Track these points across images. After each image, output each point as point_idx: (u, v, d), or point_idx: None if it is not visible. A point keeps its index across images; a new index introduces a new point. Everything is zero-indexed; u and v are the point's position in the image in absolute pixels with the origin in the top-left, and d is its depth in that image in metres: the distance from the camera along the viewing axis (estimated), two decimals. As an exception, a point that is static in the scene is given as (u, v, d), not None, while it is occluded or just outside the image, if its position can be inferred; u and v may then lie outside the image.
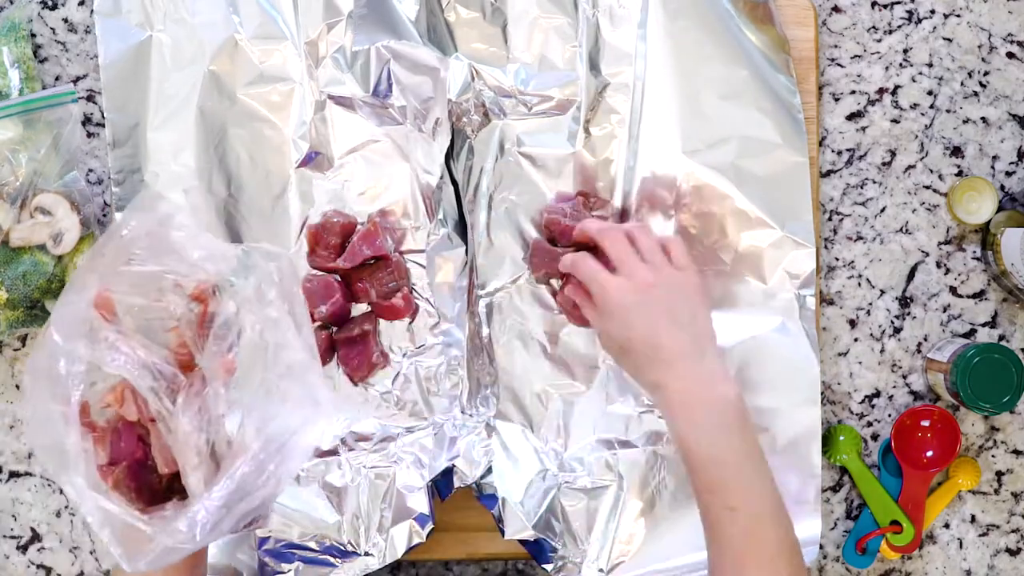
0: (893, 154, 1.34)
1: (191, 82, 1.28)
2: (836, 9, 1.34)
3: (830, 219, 1.33)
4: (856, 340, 1.33)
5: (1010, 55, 1.34)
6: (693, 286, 1.18)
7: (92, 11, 1.29)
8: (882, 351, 1.33)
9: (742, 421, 1.10)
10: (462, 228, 1.29)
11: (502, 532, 1.24)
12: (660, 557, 1.26)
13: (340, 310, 1.27)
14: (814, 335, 1.27)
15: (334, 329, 1.28)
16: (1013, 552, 1.33)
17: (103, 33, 1.28)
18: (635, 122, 1.29)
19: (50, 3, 1.33)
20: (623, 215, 1.28)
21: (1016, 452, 1.33)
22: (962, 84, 1.34)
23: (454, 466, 1.24)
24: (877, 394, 1.33)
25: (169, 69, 1.28)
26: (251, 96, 1.28)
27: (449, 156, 1.28)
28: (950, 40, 1.34)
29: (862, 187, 1.33)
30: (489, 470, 1.24)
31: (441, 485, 1.25)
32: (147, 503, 1.01)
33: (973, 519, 1.33)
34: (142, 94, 1.28)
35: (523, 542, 1.24)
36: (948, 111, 1.34)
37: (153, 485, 1.03)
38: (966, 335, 1.33)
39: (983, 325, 1.33)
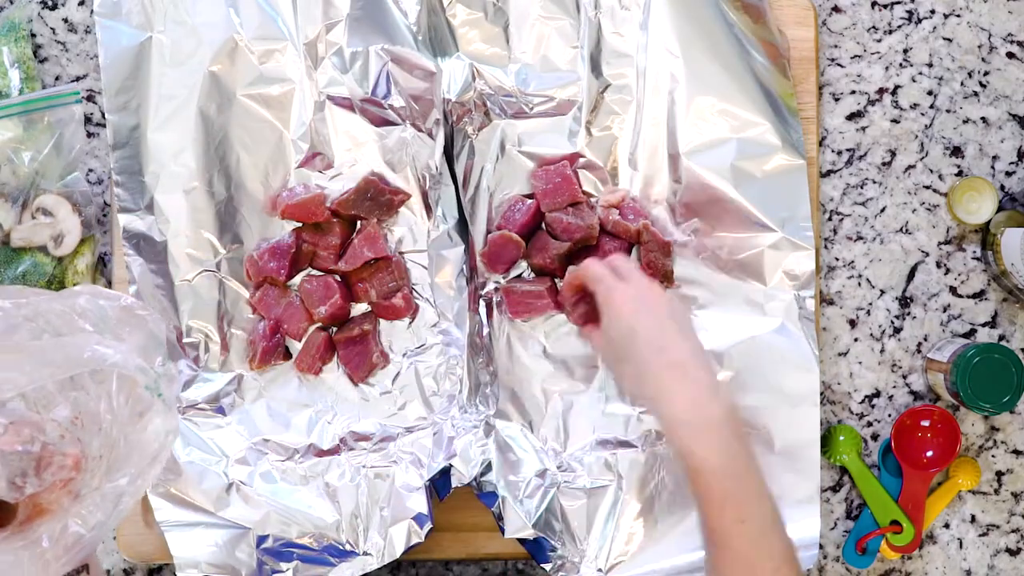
0: (893, 154, 1.34)
1: (191, 83, 1.28)
2: (836, 9, 1.34)
3: (830, 219, 1.33)
4: (856, 340, 1.33)
5: (1010, 55, 1.34)
6: (686, 308, 1.26)
7: (92, 11, 1.30)
8: (882, 351, 1.33)
9: (743, 431, 1.09)
10: (462, 227, 1.29)
11: (502, 531, 1.24)
12: (659, 557, 1.26)
13: (340, 310, 1.27)
14: (813, 336, 1.27)
15: (334, 329, 1.28)
16: (1013, 552, 1.33)
17: (103, 34, 1.28)
18: (635, 123, 1.29)
19: (50, 3, 1.33)
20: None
21: (1016, 452, 1.33)
22: (962, 84, 1.34)
23: (452, 466, 1.24)
24: (877, 394, 1.33)
25: (169, 70, 1.28)
26: (251, 97, 1.28)
27: (450, 155, 1.28)
28: (950, 40, 1.34)
29: (862, 187, 1.33)
30: (487, 469, 1.25)
31: (440, 485, 1.25)
32: None
33: (973, 519, 1.33)
34: (142, 95, 1.28)
35: (522, 541, 1.25)
36: (948, 111, 1.34)
37: None
38: (966, 335, 1.33)
39: (983, 325, 1.33)
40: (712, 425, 1.06)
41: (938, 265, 1.33)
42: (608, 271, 1.18)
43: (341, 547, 1.24)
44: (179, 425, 1.15)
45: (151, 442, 0.99)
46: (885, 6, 1.34)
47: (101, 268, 1.31)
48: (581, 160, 1.29)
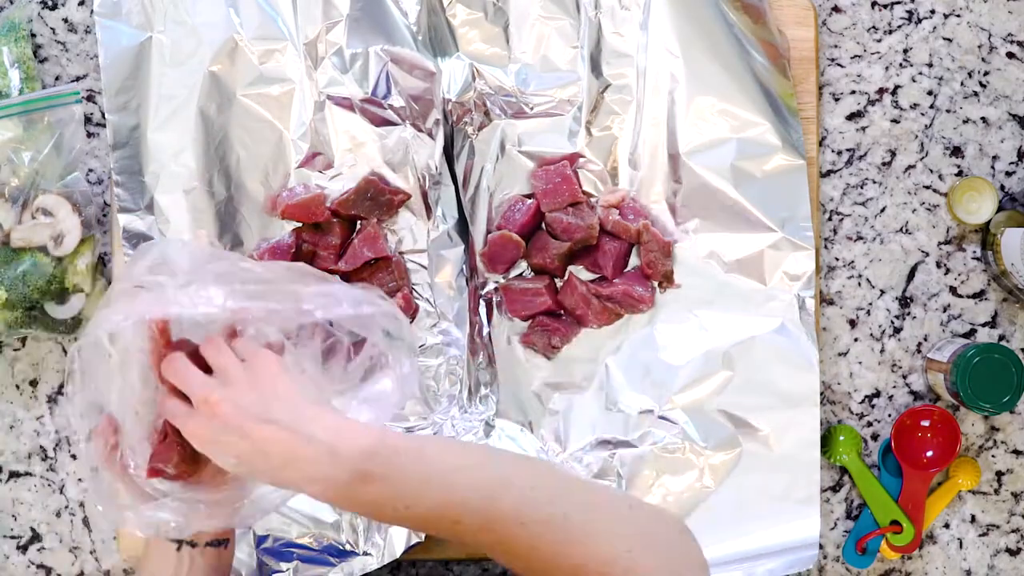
0: (893, 154, 1.34)
1: (191, 83, 1.28)
2: (836, 9, 1.34)
3: (830, 219, 1.33)
4: (856, 340, 1.33)
5: (1010, 55, 1.34)
6: (265, 366, 1.00)
7: (92, 12, 1.30)
8: (882, 351, 1.33)
9: (414, 448, 0.95)
10: (462, 227, 1.29)
11: None
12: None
13: (340, 310, 1.27)
14: (813, 336, 1.27)
15: (334, 329, 1.28)
16: (1013, 552, 1.33)
17: (103, 34, 1.28)
18: (635, 123, 1.29)
19: (50, 3, 1.33)
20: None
21: (1016, 452, 1.33)
22: (962, 84, 1.34)
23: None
24: (877, 394, 1.33)
25: (169, 70, 1.28)
26: (251, 97, 1.28)
27: (450, 155, 1.28)
28: (950, 40, 1.34)
29: (862, 187, 1.33)
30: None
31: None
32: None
33: (973, 519, 1.33)
34: (142, 95, 1.28)
35: (523, 542, 1.24)
36: (948, 111, 1.34)
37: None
38: (966, 335, 1.33)
39: (983, 325, 1.33)
40: (384, 464, 0.92)
41: (938, 265, 1.33)
42: (181, 413, 0.99)
43: (341, 547, 1.24)
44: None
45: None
46: (885, 6, 1.34)
47: (101, 268, 1.31)
48: (581, 160, 1.29)
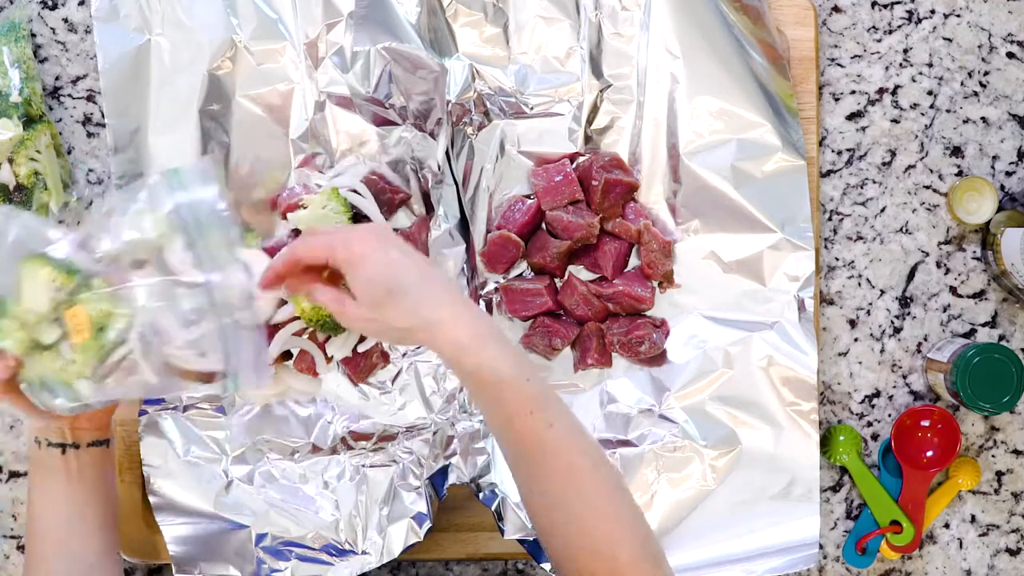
0: (893, 154, 1.34)
1: (191, 85, 1.28)
2: (836, 9, 1.34)
3: (830, 219, 1.33)
4: (856, 340, 1.33)
5: (1010, 55, 1.34)
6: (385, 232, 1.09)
7: (91, 13, 1.30)
8: (882, 351, 1.33)
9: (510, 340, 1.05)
10: (463, 227, 1.29)
11: (502, 531, 1.24)
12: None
13: (340, 310, 1.27)
14: (813, 336, 1.27)
15: (334, 329, 1.28)
16: (1013, 552, 1.33)
17: (102, 38, 1.28)
18: (635, 123, 1.29)
19: (50, 3, 1.33)
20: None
21: (1016, 452, 1.33)
22: (962, 84, 1.34)
23: (451, 465, 1.24)
24: (877, 394, 1.33)
25: (168, 72, 1.28)
26: (251, 98, 1.28)
27: (449, 155, 1.28)
28: (950, 40, 1.34)
29: (862, 187, 1.33)
30: (486, 469, 1.25)
31: (439, 484, 1.25)
32: None
33: (973, 519, 1.33)
34: (142, 98, 1.28)
35: (522, 541, 1.24)
36: (948, 111, 1.34)
37: None
38: (966, 335, 1.33)
39: (983, 325, 1.33)
40: (493, 337, 1.01)
41: (938, 265, 1.33)
42: (324, 234, 1.06)
43: (340, 546, 1.24)
44: None
45: None
46: (885, 6, 1.34)
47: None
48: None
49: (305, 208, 1.23)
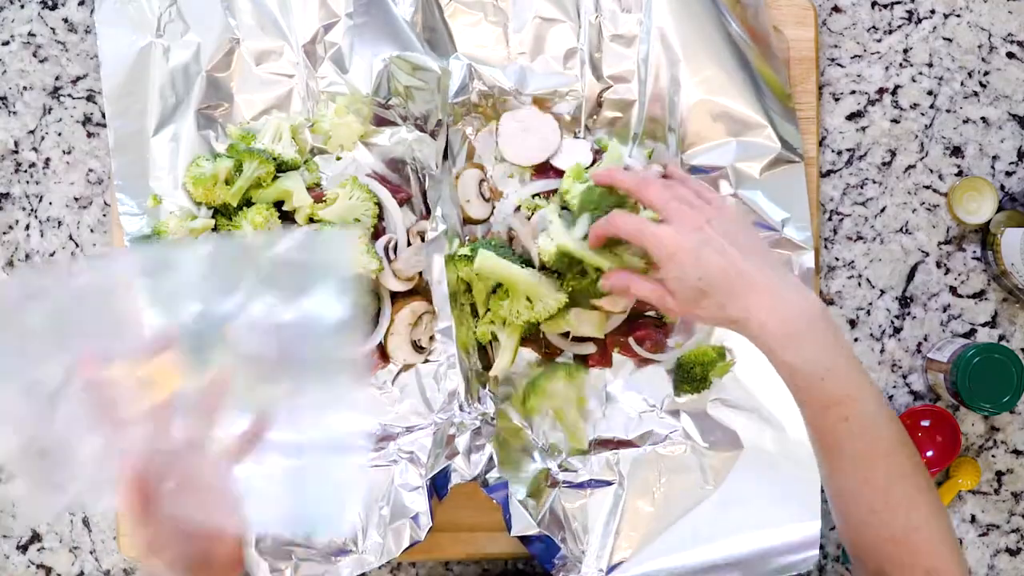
0: (893, 154, 1.34)
1: (191, 86, 1.28)
2: (836, 9, 1.34)
3: (830, 219, 1.33)
4: (856, 340, 1.33)
5: (1010, 55, 1.34)
6: (739, 215, 1.21)
7: (92, 12, 1.30)
8: (882, 351, 1.33)
9: (836, 328, 1.07)
10: (462, 226, 1.29)
11: (508, 528, 1.23)
12: (660, 556, 1.26)
13: (340, 310, 1.27)
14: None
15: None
16: (1013, 552, 1.33)
17: (103, 42, 1.28)
18: (635, 124, 1.29)
19: (50, 3, 1.33)
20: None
21: (1016, 452, 1.33)
22: (962, 84, 1.34)
23: (452, 464, 1.24)
24: (877, 394, 1.33)
25: (168, 74, 1.28)
26: (250, 98, 1.28)
27: (448, 156, 1.28)
28: (950, 40, 1.34)
29: (862, 187, 1.33)
30: (487, 469, 1.24)
31: (439, 484, 1.25)
32: None
33: (973, 519, 1.33)
34: (143, 100, 1.28)
35: (528, 544, 1.24)
36: (948, 111, 1.34)
37: None
38: (966, 335, 1.33)
39: (983, 325, 1.33)
40: (801, 333, 1.05)
41: (938, 265, 1.33)
42: (643, 220, 1.11)
43: (341, 546, 1.24)
44: None
45: None
46: (885, 6, 1.34)
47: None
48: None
49: (332, 202, 1.24)
